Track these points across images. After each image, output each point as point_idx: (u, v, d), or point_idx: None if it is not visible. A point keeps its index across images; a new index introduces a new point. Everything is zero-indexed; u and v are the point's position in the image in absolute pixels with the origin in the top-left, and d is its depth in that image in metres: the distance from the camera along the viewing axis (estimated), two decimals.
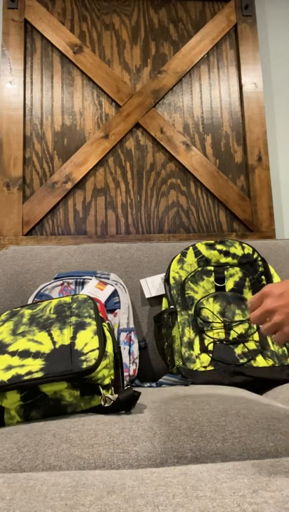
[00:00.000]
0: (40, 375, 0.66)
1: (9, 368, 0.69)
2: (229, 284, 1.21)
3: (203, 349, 1.11)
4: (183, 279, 1.20)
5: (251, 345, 1.11)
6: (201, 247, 1.25)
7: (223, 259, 1.23)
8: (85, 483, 0.44)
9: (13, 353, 0.72)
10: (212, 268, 1.22)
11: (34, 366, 0.68)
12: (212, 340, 1.12)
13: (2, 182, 1.65)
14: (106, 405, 0.67)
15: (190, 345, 1.11)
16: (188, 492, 0.41)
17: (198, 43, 1.82)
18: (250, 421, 0.64)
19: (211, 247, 1.25)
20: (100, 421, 0.63)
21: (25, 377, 0.66)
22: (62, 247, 1.39)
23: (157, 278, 1.31)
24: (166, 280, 1.22)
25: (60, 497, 0.41)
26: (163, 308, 1.22)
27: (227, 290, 1.20)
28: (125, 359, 1.08)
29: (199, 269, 1.22)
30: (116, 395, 0.67)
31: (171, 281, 1.20)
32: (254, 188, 1.75)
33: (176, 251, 1.37)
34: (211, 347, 1.11)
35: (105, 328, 0.79)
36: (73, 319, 0.79)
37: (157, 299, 1.30)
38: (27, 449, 0.57)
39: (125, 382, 1.05)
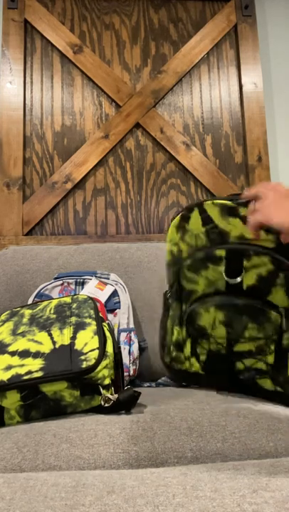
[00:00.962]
0: (39, 374, 0.66)
1: (9, 367, 0.69)
2: (249, 279, 0.76)
3: (195, 354, 0.88)
4: (183, 255, 0.83)
5: (260, 365, 0.80)
6: (212, 209, 0.78)
7: (249, 234, 0.75)
8: (85, 483, 0.44)
9: (13, 353, 0.72)
10: (223, 252, 0.76)
11: (34, 366, 0.68)
12: (206, 350, 0.85)
13: (2, 182, 1.65)
14: (106, 405, 0.67)
15: (179, 346, 0.89)
16: (188, 492, 0.41)
17: (198, 43, 1.82)
18: (250, 421, 0.63)
19: (230, 212, 0.76)
20: (100, 421, 0.63)
21: (25, 377, 0.66)
22: (62, 247, 1.39)
23: None
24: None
25: (60, 497, 0.41)
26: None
27: (244, 288, 0.77)
28: (125, 359, 1.08)
29: (206, 245, 0.79)
30: (116, 395, 0.67)
31: (168, 256, 0.87)
32: None
33: None
34: (203, 357, 0.86)
35: (105, 328, 0.79)
36: (73, 319, 0.79)
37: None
38: (27, 449, 0.57)
39: (125, 382, 1.05)
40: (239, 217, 0.75)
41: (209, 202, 0.78)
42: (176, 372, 0.92)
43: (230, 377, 0.84)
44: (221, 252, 0.77)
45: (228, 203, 0.76)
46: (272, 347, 0.78)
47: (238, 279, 0.76)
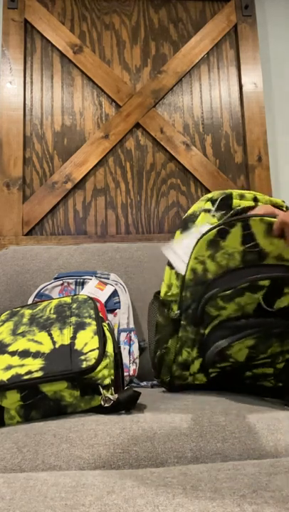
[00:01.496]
0: (39, 374, 0.66)
1: (9, 367, 0.69)
2: (282, 302, 0.73)
3: (204, 372, 0.82)
4: (209, 277, 0.73)
5: (268, 371, 0.80)
6: (258, 227, 0.70)
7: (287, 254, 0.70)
8: (85, 483, 0.44)
9: (13, 353, 0.72)
10: (267, 282, 0.71)
11: (34, 366, 0.68)
12: (221, 368, 0.80)
13: (2, 182, 1.65)
14: (106, 405, 0.67)
15: (185, 366, 0.82)
16: (188, 492, 0.41)
17: (198, 43, 1.82)
18: (250, 421, 0.63)
19: None
20: (100, 421, 0.63)
21: (25, 377, 0.66)
22: (62, 247, 1.39)
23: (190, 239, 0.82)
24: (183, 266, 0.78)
25: (60, 497, 0.41)
26: (164, 289, 0.82)
27: (274, 310, 0.72)
28: (125, 359, 1.08)
29: (238, 266, 0.71)
30: (116, 395, 0.67)
31: (189, 274, 0.75)
32: (254, 188, 1.75)
33: None
34: (214, 374, 0.82)
35: (105, 328, 0.79)
36: (73, 319, 0.79)
37: None
38: (27, 449, 0.57)
39: (125, 382, 1.05)
40: (284, 238, 0.69)
41: (257, 218, 0.70)
42: (175, 387, 0.86)
43: (234, 383, 0.83)
44: (264, 282, 0.71)
45: (270, 218, 0.71)
46: (287, 356, 0.78)
47: (274, 306, 0.72)
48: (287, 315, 0.73)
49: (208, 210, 0.80)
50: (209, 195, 0.82)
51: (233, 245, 0.71)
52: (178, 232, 0.83)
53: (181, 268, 0.77)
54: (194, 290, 0.75)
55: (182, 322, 0.78)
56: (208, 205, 0.80)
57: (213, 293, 0.72)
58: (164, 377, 0.86)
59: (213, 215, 0.79)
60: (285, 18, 1.97)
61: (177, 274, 0.79)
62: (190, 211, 0.84)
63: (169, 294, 0.81)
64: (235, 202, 0.79)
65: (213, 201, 0.80)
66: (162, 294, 0.83)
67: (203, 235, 0.73)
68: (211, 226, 0.73)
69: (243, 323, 0.73)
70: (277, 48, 1.94)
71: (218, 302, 0.73)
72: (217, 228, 0.72)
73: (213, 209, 0.79)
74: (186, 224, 0.82)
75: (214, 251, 0.72)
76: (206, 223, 0.78)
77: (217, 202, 0.79)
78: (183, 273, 0.76)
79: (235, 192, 0.80)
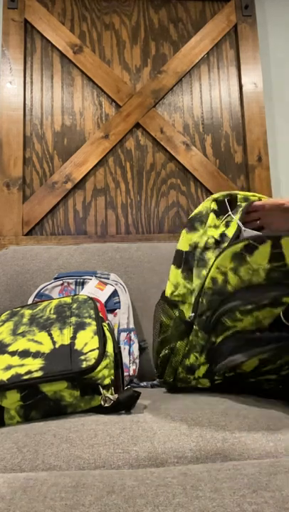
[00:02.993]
0: (39, 374, 0.66)
1: (9, 367, 0.69)
2: None
3: (209, 377, 0.81)
4: (229, 289, 0.72)
5: (272, 377, 0.80)
6: (287, 243, 0.69)
7: None
8: (85, 483, 0.44)
9: (12, 353, 0.72)
10: None
11: (34, 366, 0.68)
12: (227, 376, 0.79)
13: (2, 182, 1.65)
14: (106, 405, 0.67)
15: (191, 370, 0.81)
16: (188, 492, 0.41)
17: (198, 43, 1.82)
18: (250, 421, 0.63)
19: None
20: (100, 421, 0.63)
21: (25, 377, 0.66)
22: (62, 247, 1.39)
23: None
24: (203, 264, 0.78)
25: (60, 497, 0.41)
26: (170, 288, 0.83)
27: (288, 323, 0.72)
28: (125, 359, 1.08)
29: (261, 283, 0.70)
30: (116, 395, 0.67)
31: (208, 283, 0.75)
32: (254, 188, 1.75)
33: None
34: (219, 381, 0.81)
35: (105, 328, 0.79)
36: (73, 319, 0.79)
37: None
38: (27, 449, 0.57)
39: (125, 382, 1.05)
40: None
41: (286, 238, 0.68)
42: (178, 389, 0.85)
43: (236, 387, 0.82)
44: (287, 299, 0.69)
45: None
46: None
47: None
48: None
49: (215, 211, 0.81)
50: (215, 196, 0.83)
51: (260, 262, 0.69)
52: (184, 232, 0.84)
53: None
54: (212, 299, 0.74)
55: (195, 327, 0.77)
56: (214, 206, 0.82)
57: (233, 305, 0.71)
58: (167, 378, 0.85)
59: (219, 217, 0.80)
60: (285, 18, 1.97)
61: (185, 274, 0.80)
62: (196, 211, 0.84)
63: (176, 293, 0.82)
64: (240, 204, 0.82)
65: (218, 202, 0.81)
66: (168, 293, 0.83)
67: (229, 245, 0.72)
68: (239, 240, 0.72)
69: (257, 336, 0.72)
70: (277, 48, 1.94)
71: (237, 315, 0.72)
72: (244, 242, 0.71)
73: (219, 210, 0.80)
74: (192, 224, 0.83)
75: (238, 264, 0.71)
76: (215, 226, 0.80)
77: (222, 203, 0.81)
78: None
79: (240, 195, 0.82)
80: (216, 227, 0.80)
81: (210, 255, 0.78)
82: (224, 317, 0.73)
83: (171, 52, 1.83)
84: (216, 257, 0.73)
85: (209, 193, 1.75)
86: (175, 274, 0.83)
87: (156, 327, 0.88)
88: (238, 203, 0.82)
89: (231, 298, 0.72)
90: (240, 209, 0.80)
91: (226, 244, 0.77)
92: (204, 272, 0.77)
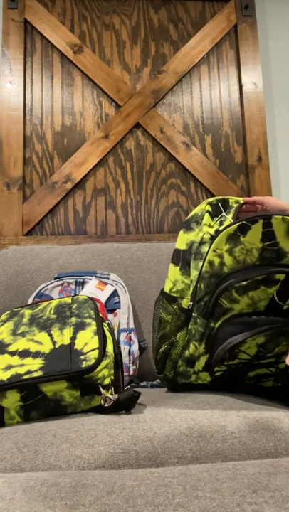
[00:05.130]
0: (39, 374, 0.66)
1: (9, 367, 0.69)
2: None
3: (208, 370, 0.81)
4: (225, 271, 0.75)
5: (270, 371, 0.81)
6: (279, 226, 0.72)
7: None
8: (85, 483, 0.44)
9: (12, 353, 0.72)
10: (282, 277, 0.72)
11: (34, 365, 0.68)
12: (226, 367, 0.79)
13: (2, 182, 1.65)
14: (106, 405, 0.67)
15: (190, 362, 0.82)
16: (188, 492, 0.41)
17: (198, 43, 1.82)
18: (250, 421, 0.63)
19: None
20: (99, 421, 0.63)
21: (25, 377, 0.66)
22: (62, 247, 1.39)
23: None
24: (200, 257, 0.80)
25: (60, 497, 0.41)
26: (168, 284, 0.86)
27: (285, 308, 0.74)
28: (125, 359, 1.08)
29: (255, 263, 0.73)
30: (116, 395, 0.67)
31: (206, 267, 0.77)
32: (254, 188, 1.75)
33: None
34: (219, 373, 0.81)
35: (105, 329, 0.79)
36: (73, 320, 0.79)
37: None
38: (27, 449, 0.57)
39: (125, 382, 1.05)
40: None
41: (279, 217, 0.71)
42: (178, 386, 0.86)
43: (236, 384, 0.83)
44: (280, 276, 0.71)
45: None
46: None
47: (288, 302, 0.73)
48: None
49: (210, 212, 0.85)
50: (209, 200, 0.89)
51: (253, 241, 0.73)
52: (181, 232, 0.88)
53: None
54: (209, 282, 0.77)
55: (194, 314, 0.79)
56: (209, 208, 0.86)
57: (228, 283, 0.74)
58: (167, 373, 0.86)
59: (214, 218, 0.85)
60: (285, 18, 1.97)
61: (183, 271, 0.83)
62: (192, 213, 0.90)
63: (174, 289, 0.86)
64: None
65: (212, 205, 0.87)
66: (167, 289, 0.87)
67: (225, 228, 0.75)
68: (234, 221, 0.75)
69: (254, 319, 0.74)
70: (277, 48, 1.94)
71: (233, 294, 0.74)
72: (238, 223, 0.74)
73: (213, 212, 0.86)
74: (189, 225, 0.87)
75: (233, 245, 0.74)
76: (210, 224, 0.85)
77: (216, 205, 0.88)
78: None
79: (232, 199, 0.90)
80: (210, 226, 0.84)
81: (206, 249, 0.81)
82: (221, 298, 0.75)
83: (171, 53, 1.83)
84: (213, 240, 0.77)
85: (209, 192, 1.75)
86: (173, 272, 0.86)
87: (155, 323, 0.91)
88: (230, 205, 0.89)
89: (227, 278, 0.75)
90: (233, 209, 0.86)
91: None
92: (201, 264, 0.79)
